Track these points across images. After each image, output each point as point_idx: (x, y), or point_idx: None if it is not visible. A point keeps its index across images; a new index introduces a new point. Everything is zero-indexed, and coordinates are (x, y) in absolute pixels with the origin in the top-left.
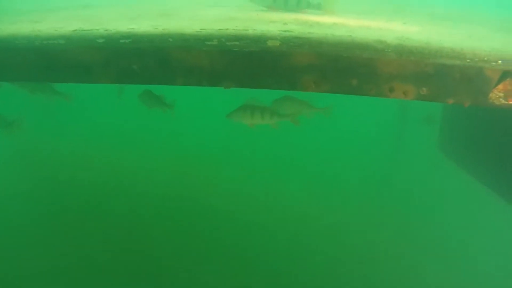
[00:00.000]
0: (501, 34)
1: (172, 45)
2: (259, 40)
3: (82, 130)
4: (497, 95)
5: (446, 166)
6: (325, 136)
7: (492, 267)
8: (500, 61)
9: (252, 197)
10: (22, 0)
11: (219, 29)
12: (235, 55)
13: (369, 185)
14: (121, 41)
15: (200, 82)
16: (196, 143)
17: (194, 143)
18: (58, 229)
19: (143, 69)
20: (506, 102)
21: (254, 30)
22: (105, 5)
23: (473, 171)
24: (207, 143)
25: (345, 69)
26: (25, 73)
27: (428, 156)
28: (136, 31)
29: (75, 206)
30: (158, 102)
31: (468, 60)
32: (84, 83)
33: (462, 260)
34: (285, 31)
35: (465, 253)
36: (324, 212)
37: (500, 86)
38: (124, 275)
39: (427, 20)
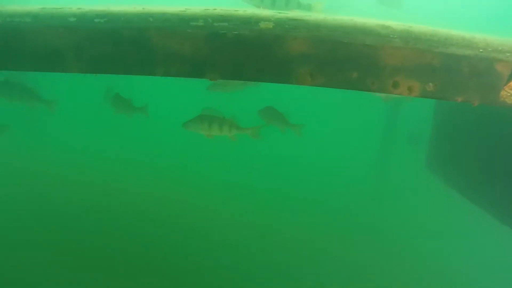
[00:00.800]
0: None
1: (152, 25)
2: (250, 21)
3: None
4: (509, 93)
5: (434, 185)
6: (304, 154)
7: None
8: None
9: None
10: None
11: (206, 9)
12: (222, 40)
13: (353, 207)
14: (95, 20)
15: (182, 72)
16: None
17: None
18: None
19: (119, 56)
20: None
21: (245, 10)
22: None
23: (463, 189)
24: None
25: (344, 60)
26: None
27: (415, 175)
28: (112, 9)
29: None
30: (127, 106)
31: (481, 50)
32: (51, 72)
33: (452, 279)
34: (279, 12)
35: (458, 273)
36: (305, 236)
37: None
38: None
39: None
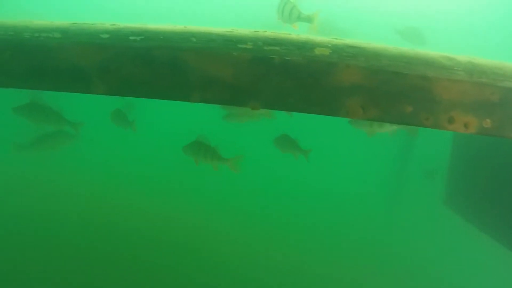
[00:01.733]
0: None
1: (192, 46)
2: (305, 46)
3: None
4: None
5: (453, 221)
6: (314, 185)
7: None
8: None
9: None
10: None
11: (255, 31)
12: (267, 65)
13: (366, 244)
14: (130, 38)
15: (220, 99)
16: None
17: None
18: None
19: (152, 78)
20: None
21: (298, 34)
22: None
23: (484, 226)
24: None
25: (399, 92)
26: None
27: (432, 211)
28: (151, 27)
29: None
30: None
31: None
32: (74, 92)
33: None
34: (336, 38)
35: None
36: (319, 270)
37: None
38: None
39: None
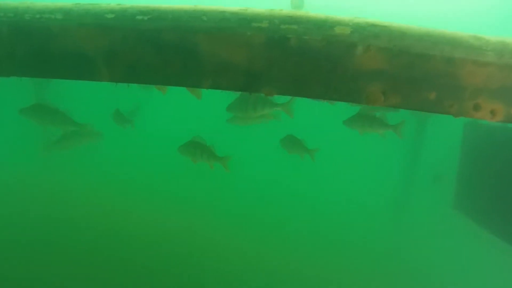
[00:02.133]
0: None
1: (205, 26)
2: (324, 25)
3: None
4: None
5: (464, 225)
6: (320, 191)
7: None
8: None
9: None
10: None
11: (271, 10)
12: (284, 48)
13: (373, 253)
14: (137, 17)
15: (233, 85)
16: None
17: None
18: None
19: (161, 62)
20: None
21: (317, 13)
22: None
23: (496, 229)
24: None
25: (422, 77)
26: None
27: (442, 215)
28: (159, 5)
29: None
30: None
31: None
32: (78, 80)
33: None
34: (357, 17)
35: None
36: (325, 277)
37: None
38: None
39: None
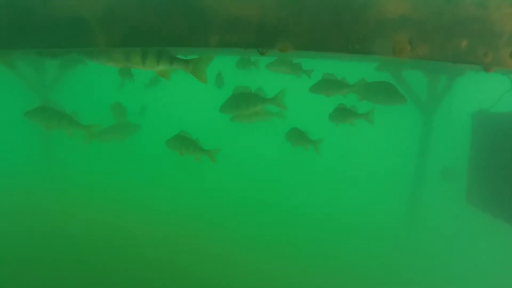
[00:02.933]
0: None
1: None
2: None
3: None
4: None
5: (479, 218)
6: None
7: None
8: None
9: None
10: None
11: None
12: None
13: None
14: None
15: (244, 42)
16: None
17: None
18: None
19: (164, 21)
20: None
21: None
22: None
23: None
24: None
25: (452, 24)
26: None
27: (458, 210)
28: None
29: None
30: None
31: None
32: (73, 48)
33: None
34: None
35: None
36: (335, 274)
37: None
38: None
39: None
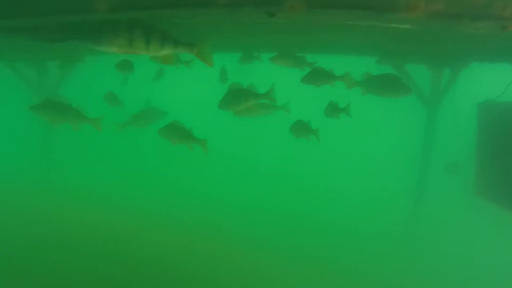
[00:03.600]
0: None
1: None
2: None
3: None
4: None
5: (489, 210)
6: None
7: None
8: None
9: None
10: None
11: None
12: None
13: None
14: None
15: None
16: None
17: None
18: None
19: None
20: None
21: None
22: None
23: None
24: None
25: None
26: None
27: (466, 203)
28: None
29: None
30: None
31: None
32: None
33: None
34: None
35: None
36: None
37: None
38: None
39: None
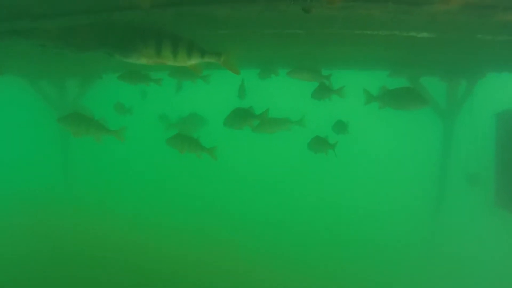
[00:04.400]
0: None
1: None
2: None
3: None
4: None
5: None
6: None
7: None
8: None
9: None
10: None
11: None
12: None
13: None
14: None
15: None
16: None
17: None
18: None
19: None
20: None
21: None
22: None
23: None
24: None
25: None
26: None
27: (487, 214)
28: None
29: None
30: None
31: None
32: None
33: None
34: None
35: None
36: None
37: None
38: None
39: None
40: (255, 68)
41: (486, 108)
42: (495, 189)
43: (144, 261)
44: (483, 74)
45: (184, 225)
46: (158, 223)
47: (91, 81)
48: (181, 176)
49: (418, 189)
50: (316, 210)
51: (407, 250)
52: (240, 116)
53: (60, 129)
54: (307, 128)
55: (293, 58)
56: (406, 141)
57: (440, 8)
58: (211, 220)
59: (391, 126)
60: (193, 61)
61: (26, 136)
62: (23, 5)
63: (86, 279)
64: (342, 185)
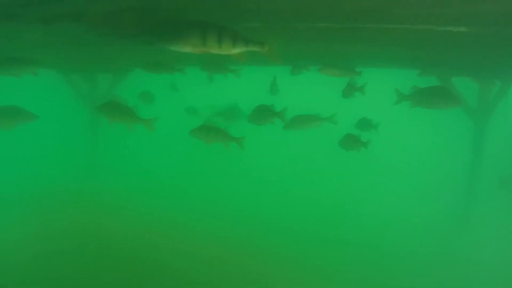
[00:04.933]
0: None
1: None
2: None
3: None
4: None
5: None
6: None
7: None
8: None
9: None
10: None
11: None
12: None
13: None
14: None
15: None
16: None
17: None
18: None
19: None
20: None
21: None
22: None
23: None
24: None
25: None
26: None
27: None
28: None
29: None
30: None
31: None
32: None
33: None
34: None
35: None
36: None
37: None
38: None
39: None
40: (286, 65)
41: None
42: None
43: (168, 258)
44: None
45: (210, 222)
46: (182, 219)
47: (122, 75)
48: (204, 172)
49: (448, 193)
50: (343, 211)
51: (437, 255)
52: (263, 113)
53: (90, 121)
54: (333, 126)
55: (322, 55)
56: (436, 143)
57: None
58: (234, 218)
59: (421, 126)
60: (238, 50)
61: (57, 127)
62: None
63: (111, 273)
64: (368, 186)
